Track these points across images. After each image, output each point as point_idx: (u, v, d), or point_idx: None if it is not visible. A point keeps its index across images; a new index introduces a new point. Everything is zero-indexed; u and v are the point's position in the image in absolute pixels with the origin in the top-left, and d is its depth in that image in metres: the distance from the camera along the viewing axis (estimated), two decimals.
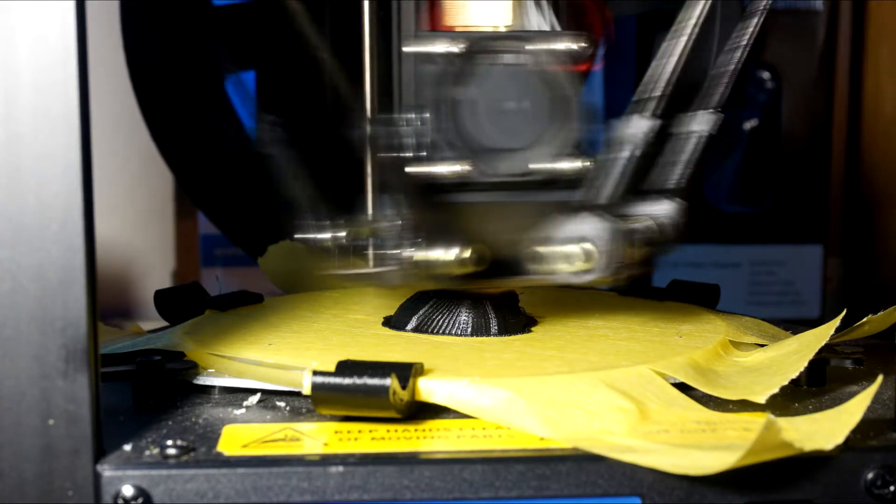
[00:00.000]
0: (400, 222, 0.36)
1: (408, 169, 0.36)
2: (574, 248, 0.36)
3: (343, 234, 0.38)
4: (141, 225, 0.68)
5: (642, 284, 0.53)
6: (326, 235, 0.38)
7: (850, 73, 0.66)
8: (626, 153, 0.37)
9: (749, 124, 0.65)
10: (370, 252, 0.38)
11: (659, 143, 0.38)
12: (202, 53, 0.53)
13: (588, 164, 0.37)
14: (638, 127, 0.37)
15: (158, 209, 0.68)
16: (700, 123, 0.38)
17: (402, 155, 0.36)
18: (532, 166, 0.37)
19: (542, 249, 0.37)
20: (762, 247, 0.65)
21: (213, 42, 0.53)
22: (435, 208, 0.37)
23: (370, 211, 0.38)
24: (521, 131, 0.37)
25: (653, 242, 0.38)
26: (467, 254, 0.36)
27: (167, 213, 0.67)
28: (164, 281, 0.67)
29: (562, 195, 0.38)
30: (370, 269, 0.38)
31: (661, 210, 0.38)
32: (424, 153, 0.37)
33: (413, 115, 0.37)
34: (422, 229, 0.36)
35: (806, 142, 0.64)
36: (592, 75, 0.51)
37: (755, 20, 0.39)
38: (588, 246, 0.36)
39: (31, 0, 0.30)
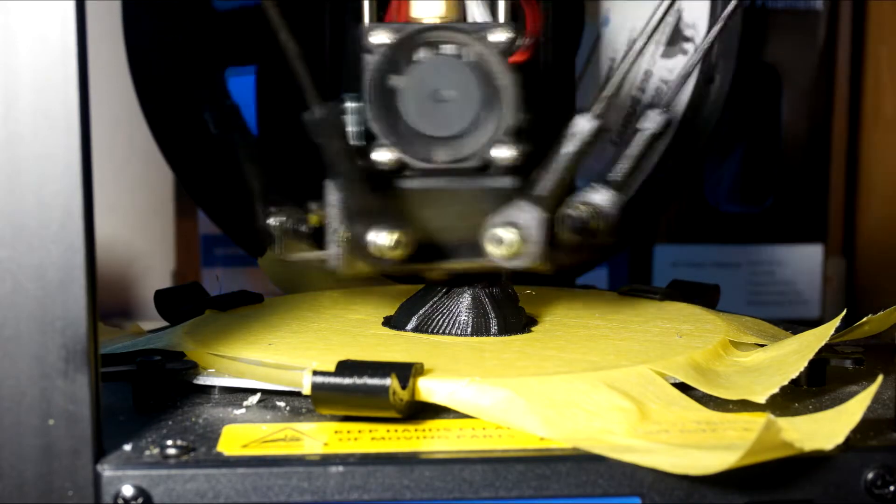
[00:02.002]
0: (340, 207, 0.37)
1: (347, 154, 0.37)
2: (505, 233, 0.37)
3: (287, 218, 0.39)
4: (141, 225, 0.68)
5: (642, 284, 0.53)
6: (272, 221, 0.39)
7: (850, 73, 0.66)
8: (567, 150, 0.38)
9: (749, 124, 0.65)
10: (313, 237, 0.39)
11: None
12: (203, 50, 0.53)
13: (522, 152, 0.38)
14: (580, 126, 0.38)
15: (158, 209, 0.68)
16: (649, 122, 0.38)
17: (343, 141, 0.37)
18: (466, 153, 0.38)
19: (475, 235, 0.38)
20: (762, 247, 0.65)
21: (214, 39, 0.53)
22: (373, 194, 0.37)
23: (321, 196, 0.38)
24: (454, 119, 0.38)
25: (588, 230, 0.38)
26: (397, 237, 0.37)
27: (167, 212, 0.67)
28: (164, 281, 0.67)
29: (497, 182, 0.38)
30: (311, 254, 0.38)
31: (599, 199, 0.38)
32: (363, 140, 0.38)
33: (353, 103, 0.37)
34: (360, 214, 0.37)
35: (806, 142, 0.64)
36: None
37: (715, 28, 0.39)
38: (519, 231, 0.37)
39: (31, 0, 0.30)
